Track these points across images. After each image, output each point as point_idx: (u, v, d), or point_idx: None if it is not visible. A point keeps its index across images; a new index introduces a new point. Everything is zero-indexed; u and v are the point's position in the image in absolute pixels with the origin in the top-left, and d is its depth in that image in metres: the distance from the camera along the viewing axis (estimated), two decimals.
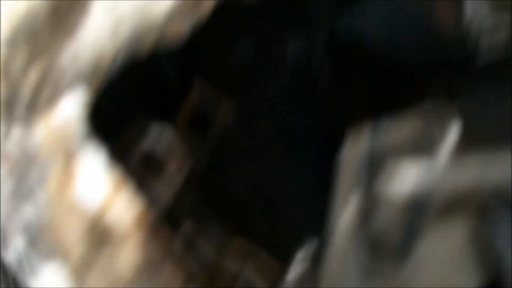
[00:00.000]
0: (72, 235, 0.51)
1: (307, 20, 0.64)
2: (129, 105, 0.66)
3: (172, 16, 0.53)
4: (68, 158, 0.51)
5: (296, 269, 0.59)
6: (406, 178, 0.48)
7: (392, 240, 0.51)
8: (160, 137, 0.57)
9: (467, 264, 0.51)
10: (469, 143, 0.50)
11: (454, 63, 0.60)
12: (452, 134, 0.50)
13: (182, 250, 0.53)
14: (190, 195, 0.63)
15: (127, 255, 0.50)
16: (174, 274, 0.51)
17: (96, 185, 0.51)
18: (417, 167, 0.48)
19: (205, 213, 0.63)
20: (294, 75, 0.69)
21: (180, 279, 0.51)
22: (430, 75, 0.64)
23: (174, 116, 0.72)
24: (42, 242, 0.52)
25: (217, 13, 0.61)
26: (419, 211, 0.50)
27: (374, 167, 0.51)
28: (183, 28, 0.57)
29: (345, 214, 0.51)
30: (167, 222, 0.53)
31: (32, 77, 0.51)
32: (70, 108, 0.51)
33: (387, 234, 0.51)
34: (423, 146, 0.51)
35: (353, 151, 0.53)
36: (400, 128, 0.53)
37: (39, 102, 0.51)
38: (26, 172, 0.51)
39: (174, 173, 0.57)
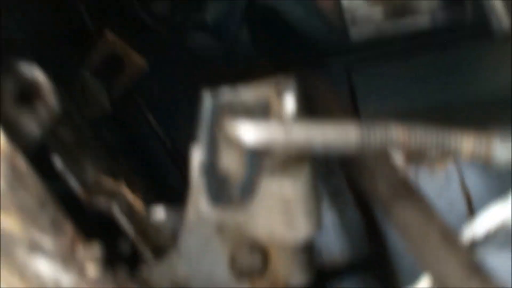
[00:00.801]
0: None
1: None
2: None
3: None
4: None
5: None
6: (249, 131, 0.53)
7: (237, 178, 0.57)
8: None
9: (301, 212, 0.57)
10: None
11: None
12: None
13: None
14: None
15: None
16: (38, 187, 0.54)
17: None
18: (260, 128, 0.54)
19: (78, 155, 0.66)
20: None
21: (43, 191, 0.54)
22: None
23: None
24: None
25: None
26: (259, 157, 0.56)
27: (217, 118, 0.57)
28: None
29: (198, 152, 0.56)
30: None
31: None
32: None
33: (232, 172, 0.57)
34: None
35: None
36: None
37: None
38: None
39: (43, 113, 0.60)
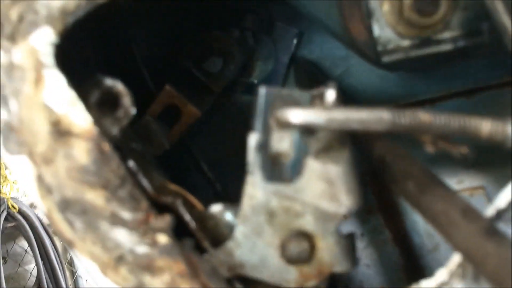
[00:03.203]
0: (39, 133, 0.64)
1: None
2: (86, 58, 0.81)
3: None
4: (38, 78, 0.65)
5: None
6: (297, 113, 0.63)
7: (287, 159, 0.66)
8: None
9: (344, 189, 0.66)
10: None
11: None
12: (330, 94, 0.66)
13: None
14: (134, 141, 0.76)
15: (81, 150, 0.63)
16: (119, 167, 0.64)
17: (60, 97, 0.64)
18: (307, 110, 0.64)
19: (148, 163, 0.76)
20: None
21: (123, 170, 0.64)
22: None
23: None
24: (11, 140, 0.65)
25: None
26: (307, 138, 0.66)
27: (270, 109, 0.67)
28: None
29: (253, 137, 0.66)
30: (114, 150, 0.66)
31: (13, 14, 0.66)
32: (40, 43, 0.66)
33: (283, 154, 0.66)
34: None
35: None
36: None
37: (17, 34, 0.66)
38: (3, 85, 0.65)
39: (122, 116, 0.71)
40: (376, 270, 1.07)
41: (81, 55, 0.85)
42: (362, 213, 1.10)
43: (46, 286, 3.72)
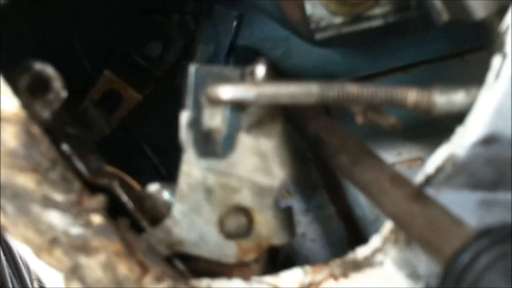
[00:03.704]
0: None
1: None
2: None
3: None
4: None
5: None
6: (227, 89, 0.64)
7: (219, 135, 0.67)
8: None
9: (276, 162, 0.67)
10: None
11: None
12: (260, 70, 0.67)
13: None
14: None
15: (10, 134, 0.63)
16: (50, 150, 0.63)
17: None
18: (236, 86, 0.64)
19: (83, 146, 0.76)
20: None
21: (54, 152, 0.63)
22: None
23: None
24: None
25: None
26: (239, 114, 0.66)
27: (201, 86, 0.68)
28: None
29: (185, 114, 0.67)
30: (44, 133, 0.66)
31: None
32: None
33: (215, 130, 0.67)
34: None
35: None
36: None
37: None
38: None
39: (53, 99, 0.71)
40: (321, 245, 1.09)
41: (12, 40, 0.83)
42: (307, 190, 1.11)
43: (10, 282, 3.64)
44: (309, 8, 0.82)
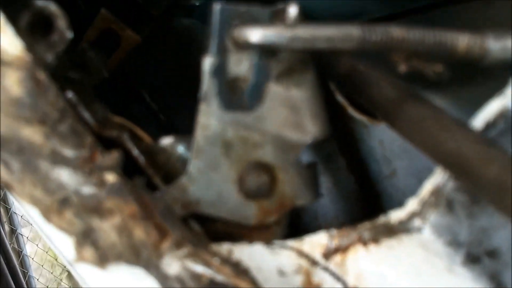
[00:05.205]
0: None
1: None
2: None
3: None
4: None
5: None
6: (257, 31, 0.56)
7: (246, 83, 0.60)
8: None
9: (309, 115, 0.60)
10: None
11: None
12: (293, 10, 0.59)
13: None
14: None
15: (13, 80, 0.55)
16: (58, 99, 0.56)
17: None
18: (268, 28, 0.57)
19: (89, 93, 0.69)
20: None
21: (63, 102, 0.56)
22: None
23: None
24: None
25: None
26: (268, 60, 0.59)
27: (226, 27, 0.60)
28: None
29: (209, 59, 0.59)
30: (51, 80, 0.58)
31: None
32: None
33: (241, 78, 0.60)
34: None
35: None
36: None
37: None
38: None
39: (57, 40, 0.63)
40: (330, 199, 1.03)
41: None
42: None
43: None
44: None
